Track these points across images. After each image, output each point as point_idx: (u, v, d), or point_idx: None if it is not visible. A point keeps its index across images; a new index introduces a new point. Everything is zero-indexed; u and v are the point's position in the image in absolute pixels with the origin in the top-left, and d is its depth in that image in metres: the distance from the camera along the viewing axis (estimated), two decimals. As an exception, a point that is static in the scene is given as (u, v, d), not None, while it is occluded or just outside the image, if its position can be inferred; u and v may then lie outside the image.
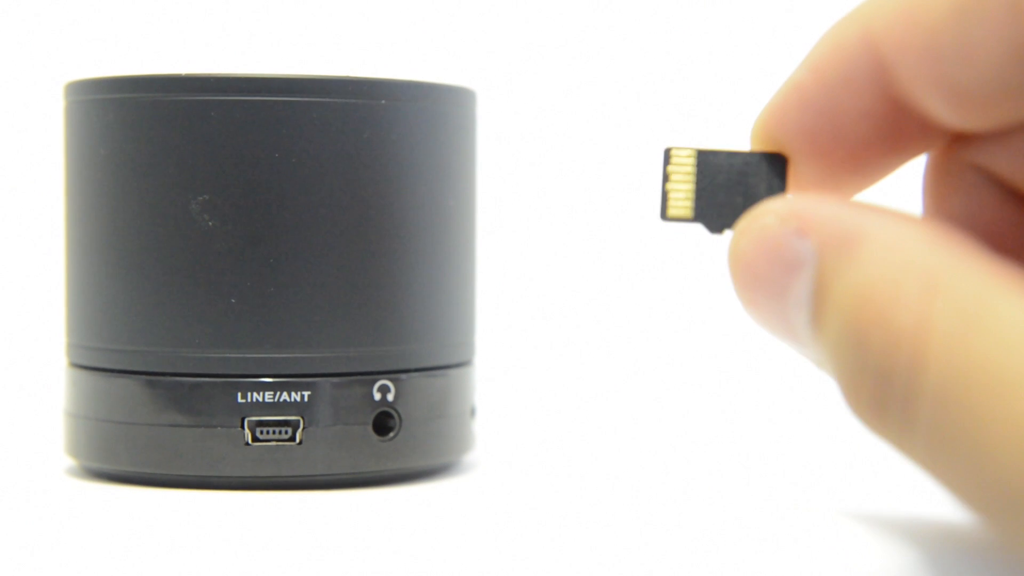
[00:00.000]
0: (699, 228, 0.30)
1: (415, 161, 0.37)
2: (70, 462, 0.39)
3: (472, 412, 0.39)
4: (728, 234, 0.29)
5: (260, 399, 0.36)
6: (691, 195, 0.30)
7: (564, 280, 0.67)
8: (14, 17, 0.66)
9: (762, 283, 0.28)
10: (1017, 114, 0.28)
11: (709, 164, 0.30)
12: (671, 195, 0.30)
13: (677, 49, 0.68)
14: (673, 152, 0.30)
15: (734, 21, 0.68)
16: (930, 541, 0.29)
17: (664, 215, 0.30)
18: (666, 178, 0.30)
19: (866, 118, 0.30)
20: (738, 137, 0.32)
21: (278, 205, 0.36)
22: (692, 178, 0.30)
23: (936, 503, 0.33)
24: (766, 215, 0.28)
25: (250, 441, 0.36)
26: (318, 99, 0.36)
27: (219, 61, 0.65)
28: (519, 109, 0.67)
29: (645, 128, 0.67)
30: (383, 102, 0.36)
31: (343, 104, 0.36)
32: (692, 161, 0.30)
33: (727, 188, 0.30)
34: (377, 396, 0.36)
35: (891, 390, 0.25)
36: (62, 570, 0.28)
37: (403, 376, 0.37)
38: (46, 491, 0.37)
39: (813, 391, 0.57)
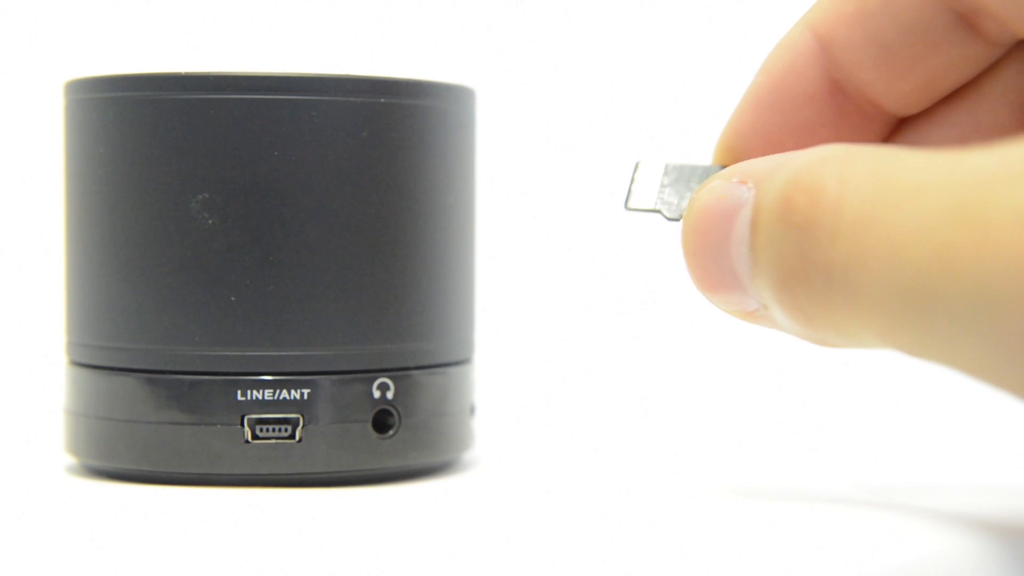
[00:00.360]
0: (658, 219, 0.34)
1: (414, 159, 0.37)
2: (70, 460, 0.39)
3: (471, 410, 0.39)
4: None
5: (260, 397, 0.36)
6: (653, 191, 0.33)
7: (563, 278, 0.67)
8: (14, 17, 0.66)
9: (708, 237, 0.30)
10: (940, 75, 0.32)
11: (672, 171, 0.34)
12: (635, 190, 0.34)
13: (676, 48, 0.68)
14: (642, 162, 0.34)
15: (734, 19, 0.68)
16: (931, 535, 0.29)
17: (626, 205, 0.34)
18: (633, 179, 0.34)
19: (811, 103, 0.33)
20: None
21: (278, 203, 0.36)
22: (656, 180, 0.34)
23: (940, 495, 0.33)
24: (714, 179, 0.31)
25: (250, 439, 0.36)
26: (317, 97, 0.36)
27: (218, 59, 0.65)
28: (519, 108, 0.67)
29: (644, 127, 0.67)
30: (382, 100, 0.36)
31: (342, 102, 0.36)
32: (658, 168, 0.34)
33: (688, 188, 0.33)
34: (376, 394, 0.36)
35: (815, 238, 0.27)
36: (62, 569, 0.28)
37: (403, 374, 0.37)
38: (46, 489, 0.37)
39: (812, 389, 0.57)
